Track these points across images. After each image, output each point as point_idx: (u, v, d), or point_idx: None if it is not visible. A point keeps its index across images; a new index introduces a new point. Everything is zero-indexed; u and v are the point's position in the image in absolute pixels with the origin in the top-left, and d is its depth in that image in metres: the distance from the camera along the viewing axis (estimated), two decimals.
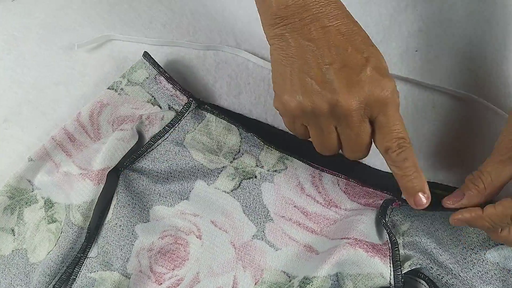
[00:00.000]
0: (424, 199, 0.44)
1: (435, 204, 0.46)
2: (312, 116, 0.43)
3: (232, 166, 0.53)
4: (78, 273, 0.50)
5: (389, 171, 0.53)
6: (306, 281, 0.48)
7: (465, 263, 0.48)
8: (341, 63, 0.41)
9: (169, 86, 0.54)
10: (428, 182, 0.52)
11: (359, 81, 0.41)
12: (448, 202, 0.47)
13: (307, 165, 0.52)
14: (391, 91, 0.42)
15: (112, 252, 0.50)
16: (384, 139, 0.43)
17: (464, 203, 0.46)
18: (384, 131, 0.43)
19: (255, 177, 0.53)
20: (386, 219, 0.50)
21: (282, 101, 0.44)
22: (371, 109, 0.42)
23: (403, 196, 0.51)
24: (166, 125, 0.53)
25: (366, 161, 0.54)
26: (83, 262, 0.50)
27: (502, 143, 0.46)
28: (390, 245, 0.49)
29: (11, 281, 0.50)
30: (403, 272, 0.48)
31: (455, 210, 0.46)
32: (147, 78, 0.55)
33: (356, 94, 0.41)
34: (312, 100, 0.42)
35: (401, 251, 0.49)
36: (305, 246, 0.51)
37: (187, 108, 0.54)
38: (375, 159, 0.54)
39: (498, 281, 0.48)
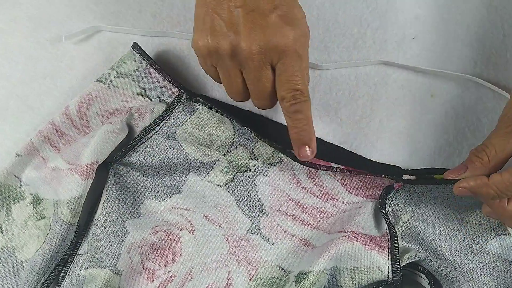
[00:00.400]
0: (308, 152, 0.45)
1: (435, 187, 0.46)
2: (218, 57, 0.44)
3: (225, 159, 0.51)
4: (67, 270, 0.49)
5: (388, 162, 0.53)
6: (302, 276, 0.46)
7: (466, 254, 0.47)
8: (250, 7, 0.42)
9: (160, 77, 0.53)
10: (426, 168, 0.51)
11: (262, 26, 0.42)
12: (450, 175, 0.46)
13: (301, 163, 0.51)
14: (292, 39, 0.42)
15: (102, 248, 0.49)
16: (281, 88, 0.44)
17: (467, 176, 0.45)
18: (281, 80, 0.44)
19: (249, 170, 0.51)
20: (386, 209, 0.49)
21: (194, 39, 0.45)
22: (271, 56, 0.43)
23: (405, 177, 0.50)
24: (157, 118, 0.52)
25: (362, 153, 0.53)
26: (73, 259, 0.49)
27: (507, 115, 0.45)
28: (389, 237, 0.48)
29: None
30: (401, 265, 0.47)
31: (457, 180, 0.45)
32: (136, 69, 0.53)
33: (257, 38, 0.42)
34: (218, 40, 0.43)
35: (400, 244, 0.48)
36: (301, 240, 0.49)
37: (178, 100, 0.52)
38: (372, 151, 0.53)
39: (499, 272, 0.47)
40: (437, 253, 0.47)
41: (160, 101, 0.53)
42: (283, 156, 0.51)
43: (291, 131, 0.45)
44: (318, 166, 0.50)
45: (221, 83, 0.47)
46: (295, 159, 0.51)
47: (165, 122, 0.52)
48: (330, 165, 0.50)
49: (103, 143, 0.49)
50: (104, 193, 0.50)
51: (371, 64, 0.55)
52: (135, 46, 0.54)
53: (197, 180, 0.51)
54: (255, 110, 0.55)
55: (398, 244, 0.47)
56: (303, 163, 0.50)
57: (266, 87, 0.44)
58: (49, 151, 0.52)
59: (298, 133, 0.45)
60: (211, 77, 0.48)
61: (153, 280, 0.48)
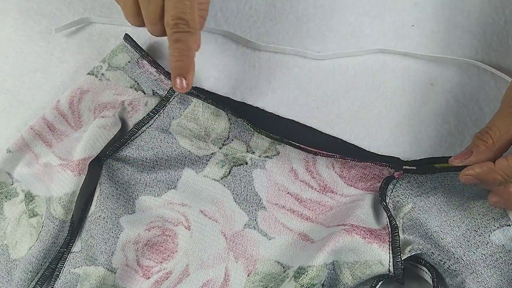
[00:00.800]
0: (184, 83, 0.45)
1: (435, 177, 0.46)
2: None
3: (221, 153, 0.50)
4: (61, 268, 0.48)
5: (388, 153, 0.52)
6: (301, 271, 0.45)
7: (468, 245, 0.46)
8: None
9: (153, 70, 0.52)
10: (427, 158, 0.50)
11: None
12: (455, 161, 0.45)
13: (300, 150, 0.50)
14: None
15: (96, 246, 0.48)
16: (166, 14, 0.43)
17: (473, 160, 0.44)
18: (168, 6, 0.43)
19: (246, 163, 0.50)
20: (387, 201, 0.48)
21: None
22: None
23: (405, 166, 0.49)
24: (150, 111, 0.50)
25: (361, 144, 0.52)
26: (67, 257, 0.48)
27: (509, 96, 0.44)
28: (390, 229, 0.47)
29: None
30: (403, 259, 0.46)
31: (461, 168, 0.44)
32: (129, 62, 0.52)
33: None
34: None
35: (401, 236, 0.47)
36: (299, 234, 0.48)
37: (172, 93, 0.51)
38: (372, 142, 0.52)
39: (503, 264, 0.46)
40: (439, 245, 0.46)
41: (154, 94, 0.52)
42: (280, 148, 0.50)
43: (169, 60, 0.45)
44: (318, 152, 0.49)
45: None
46: (294, 146, 0.50)
47: (159, 116, 0.51)
48: (330, 153, 0.49)
49: (96, 137, 0.48)
50: (98, 189, 0.49)
51: (369, 53, 0.54)
52: (127, 37, 0.52)
53: (193, 174, 0.50)
54: (252, 101, 0.54)
55: (399, 236, 0.46)
56: (302, 149, 0.49)
57: (155, 11, 0.43)
58: (41, 147, 0.51)
59: (176, 62, 0.44)
60: None
61: (149, 277, 0.47)
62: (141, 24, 0.46)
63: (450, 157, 0.48)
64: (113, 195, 0.49)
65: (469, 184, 0.45)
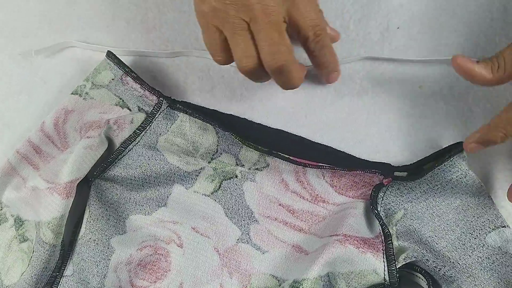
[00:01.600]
0: (336, 76, 0.51)
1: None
2: (224, 15, 0.43)
3: (210, 167, 0.50)
4: None
5: (378, 158, 0.51)
6: (295, 284, 0.45)
7: (464, 249, 0.46)
8: None
9: (137, 86, 0.51)
10: (416, 161, 0.50)
11: None
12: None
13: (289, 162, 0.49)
14: None
15: (88, 269, 0.47)
16: (304, 25, 0.44)
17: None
18: (303, 16, 0.44)
19: (236, 176, 0.49)
20: (378, 209, 0.47)
21: (195, 2, 0.44)
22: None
23: (396, 173, 0.49)
24: (137, 129, 0.50)
25: (351, 151, 0.52)
26: (59, 282, 0.48)
27: None
28: (383, 237, 0.46)
29: None
30: (398, 266, 0.45)
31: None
32: (112, 79, 0.51)
33: None
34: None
35: (395, 243, 0.46)
36: (293, 246, 0.48)
37: (158, 109, 0.50)
38: (362, 149, 0.52)
39: (500, 266, 0.45)
40: (434, 250, 0.46)
41: (139, 111, 0.51)
42: (269, 159, 0.49)
43: (321, 67, 0.48)
44: (307, 164, 0.48)
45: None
46: (283, 159, 0.49)
47: (145, 133, 0.50)
48: (319, 164, 0.49)
49: (82, 159, 0.48)
50: (87, 211, 0.48)
51: (355, 60, 0.53)
52: (110, 54, 0.52)
53: (183, 190, 0.49)
54: (239, 113, 0.53)
55: (392, 245, 0.46)
56: (291, 161, 0.49)
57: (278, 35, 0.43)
58: (28, 170, 0.50)
59: (328, 66, 0.48)
60: (214, 51, 0.45)
61: None
62: (256, 62, 0.45)
63: (439, 152, 0.48)
64: (102, 216, 0.48)
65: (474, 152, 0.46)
